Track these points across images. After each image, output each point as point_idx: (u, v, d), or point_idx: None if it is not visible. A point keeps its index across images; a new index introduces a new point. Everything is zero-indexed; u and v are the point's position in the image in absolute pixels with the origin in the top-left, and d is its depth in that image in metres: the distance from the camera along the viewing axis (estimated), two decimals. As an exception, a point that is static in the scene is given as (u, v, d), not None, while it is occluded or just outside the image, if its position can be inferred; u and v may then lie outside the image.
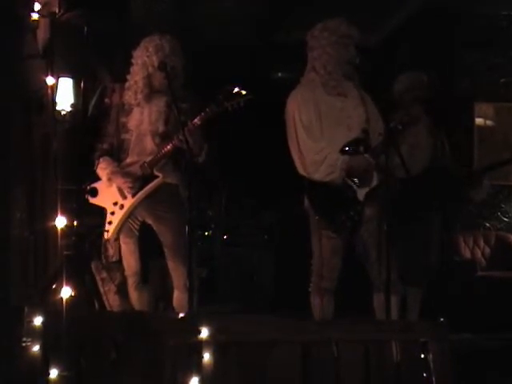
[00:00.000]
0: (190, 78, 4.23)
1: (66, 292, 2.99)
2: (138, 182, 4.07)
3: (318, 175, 3.94)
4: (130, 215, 4.13)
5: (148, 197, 4.10)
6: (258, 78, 6.83)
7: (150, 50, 4.08)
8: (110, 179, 4.12)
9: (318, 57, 4.06)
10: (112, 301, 4.68)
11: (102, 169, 4.14)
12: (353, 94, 4.10)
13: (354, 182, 3.96)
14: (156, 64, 4.04)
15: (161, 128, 4.09)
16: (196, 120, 3.92)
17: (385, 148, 3.82)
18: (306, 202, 4.06)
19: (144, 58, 4.10)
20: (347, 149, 3.92)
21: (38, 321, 2.65)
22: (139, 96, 4.11)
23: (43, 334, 2.63)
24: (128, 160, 4.14)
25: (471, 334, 4.83)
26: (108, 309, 4.59)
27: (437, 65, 6.81)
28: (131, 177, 4.06)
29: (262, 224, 7.24)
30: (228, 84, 3.94)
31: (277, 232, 7.13)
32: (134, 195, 4.09)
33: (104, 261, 4.54)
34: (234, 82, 3.97)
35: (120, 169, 4.11)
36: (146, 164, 4.06)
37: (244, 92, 3.90)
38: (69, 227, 3.67)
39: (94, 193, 4.20)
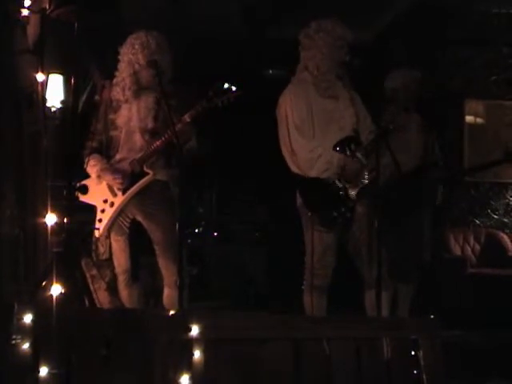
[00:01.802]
0: (182, 73, 4.22)
1: (56, 289, 2.98)
2: (128, 178, 4.06)
3: (314, 172, 3.96)
4: (120, 213, 4.12)
5: (138, 194, 4.09)
6: (251, 74, 6.84)
7: (136, 47, 4.07)
8: (99, 176, 4.11)
9: (312, 57, 4.07)
10: (102, 298, 4.67)
11: (92, 166, 4.13)
12: (343, 94, 4.13)
13: (345, 184, 3.99)
14: (142, 62, 4.04)
15: (150, 124, 4.09)
16: (186, 117, 3.91)
17: (376, 147, 3.83)
18: (299, 199, 4.07)
19: (130, 56, 4.09)
20: (338, 148, 3.96)
21: (28, 318, 2.64)
22: (127, 92, 4.10)
23: (33, 332, 2.62)
24: (118, 157, 4.13)
25: (461, 330, 4.85)
26: (98, 306, 4.58)
27: (428, 62, 6.84)
28: (121, 173, 4.05)
29: (253, 221, 7.25)
30: (219, 80, 3.93)
31: (269, 229, 7.14)
32: (124, 192, 4.08)
33: (95, 258, 4.53)
34: (225, 77, 3.97)
35: (110, 166, 4.10)
36: (135, 161, 4.05)
37: (234, 88, 3.90)
38: (59, 224, 3.65)
39: (84, 190, 4.18)
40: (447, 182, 4.81)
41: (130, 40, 4.13)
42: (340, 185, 3.98)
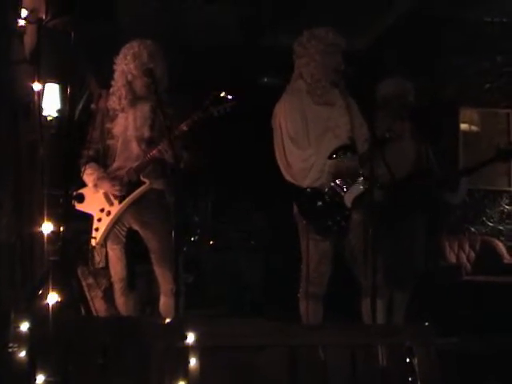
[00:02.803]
0: (177, 81, 4.24)
1: (53, 297, 2.99)
2: (125, 187, 4.07)
3: (307, 181, 3.96)
4: (116, 222, 4.12)
5: (134, 203, 4.10)
6: (247, 83, 6.85)
7: (128, 57, 4.08)
8: (96, 185, 4.11)
9: (305, 64, 4.08)
10: (98, 306, 4.68)
11: (88, 175, 4.13)
12: (339, 102, 4.13)
13: (339, 185, 3.99)
14: (135, 72, 4.06)
15: (146, 134, 4.09)
16: (182, 126, 3.92)
17: (371, 155, 3.83)
18: (295, 208, 4.07)
19: (123, 66, 4.11)
20: (335, 156, 3.98)
21: (24, 326, 2.64)
22: (123, 101, 4.12)
23: (30, 340, 2.62)
24: (114, 166, 4.13)
25: (456, 338, 4.85)
26: (94, 314, 4.59)
27: (422, 70, 6.87)
28: (118, 182, 4.06)
29: (249, 229, 7.26)
30: (214, 88, 3.94)
31: (265, 236, 7.15)
32: (120, 201, 4.08)
33: (91, 267, 4.53)
34: (221, 85, 3.98)
35: (106, 174, 4.11)
36: (132, 170, 4.05)
37: (230, 97, 3.90)
38: (55, 233, 3.65)
39: (81, 198, 4.19)
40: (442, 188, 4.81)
41: (123, 50, 4.14)
42: (335, 193, 3.99)
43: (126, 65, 4.09)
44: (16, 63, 3.92)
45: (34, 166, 4.06)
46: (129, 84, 4.11)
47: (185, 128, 3.92)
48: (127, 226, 4.17)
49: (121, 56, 4.14)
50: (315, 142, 4.01)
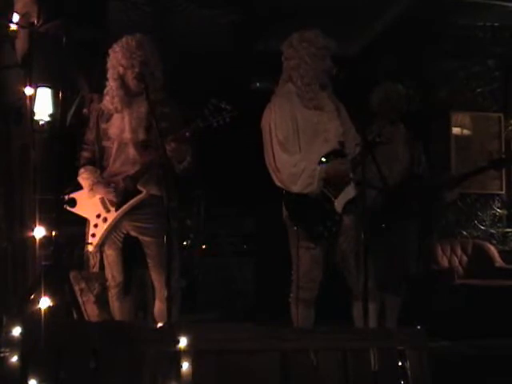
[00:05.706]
0: (170, 86, 4.22)
1: (45, 302, 2.98)
2: (121, 194, 4.01)
3: (297, 187, 3.93)
4: (113, 228, 4.08)
5: (132, 209, 4.03)
6: (237, 87, 6.85)
7: (117, 49, 4.03)
8: (92, 190, 4.06)
9: (295, 67, 4.05)
10: (90, 311, 4.65)
11: (85, 179, 4.08)
12: (328, 106, 4.10)
13: (330, 190, 3.98)
14: (123, 61, 4.00)
15: (141, 136, 4.02)
16: (179, 135, 3.86)
17: (362, 159, 3.82)
18: (285, 212, 4.07)
19: (113, 61, 4.06)
20: (325, 160, 3.95)
21: (16, 331, 2.64)
22: (116, 99, 4.05)
23: (22, 345, 2.62)
24: (111, 170, 4.08)
25: (449, 341, 4.86)
26: (86, 319, 4.57)
27: (414, 75, 6.89)
28: (114, 189, 4.00)
29: (241, 233, 7.26)
30: (212, 95, 3.90)
31: (257, 241, 7.15)
32: (117, 209, 4.04)
33: (86, 271, 4.51)
34: (212, 89, 3.95)
35: (102, 179, 4.07)
36: (128, 178, 3.98)
37: (230, 107, 3.85)
38: (47, 237, 3.64)
39: (73, 203, 4.15)
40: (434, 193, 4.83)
41: (113, 46, 4.09)
42: (326, 198, 3.98)
43: (115, 58, 4.05)
44: (8, 67, 3.92)
45: (25, 171, 4.05)
46: (121, 78, 4.05)
47: (184, 136, 3.87)
48: (124, 232, 4.11)
49: (111, 51, 4.10)
50: (305, 146, 3.98)
